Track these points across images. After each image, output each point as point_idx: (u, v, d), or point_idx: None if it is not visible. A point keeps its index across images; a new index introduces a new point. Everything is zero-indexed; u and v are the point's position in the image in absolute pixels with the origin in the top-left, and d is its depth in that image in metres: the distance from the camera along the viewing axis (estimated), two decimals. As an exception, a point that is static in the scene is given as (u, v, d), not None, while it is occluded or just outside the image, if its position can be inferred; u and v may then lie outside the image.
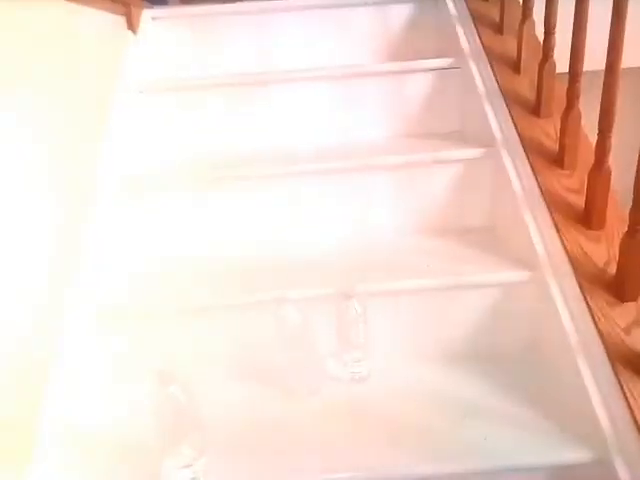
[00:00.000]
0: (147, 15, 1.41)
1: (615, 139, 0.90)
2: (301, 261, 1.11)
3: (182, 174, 1.20)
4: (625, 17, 0.84)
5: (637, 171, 0.80)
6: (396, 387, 0.97)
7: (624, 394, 0.78)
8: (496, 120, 1.17)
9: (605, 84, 0.88)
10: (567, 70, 1.00)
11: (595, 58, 0.93)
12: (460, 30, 1.36)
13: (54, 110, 0.95)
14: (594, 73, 0.95)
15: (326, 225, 1.20)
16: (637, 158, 0.78)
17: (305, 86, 1.33)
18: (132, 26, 1.33)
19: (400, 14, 1.50)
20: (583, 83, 0.99)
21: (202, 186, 1.17)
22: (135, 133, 1.25)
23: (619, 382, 0.79)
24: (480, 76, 1.25)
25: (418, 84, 1.33)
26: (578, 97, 1.01)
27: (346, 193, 1.20)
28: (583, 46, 0.97)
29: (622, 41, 0.85)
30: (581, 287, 0.90)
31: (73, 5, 1.04)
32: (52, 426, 0.83)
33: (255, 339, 1.02)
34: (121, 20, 1.30)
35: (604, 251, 0.93)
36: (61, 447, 0.83)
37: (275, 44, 1.50)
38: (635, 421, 0.75)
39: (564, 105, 1.03)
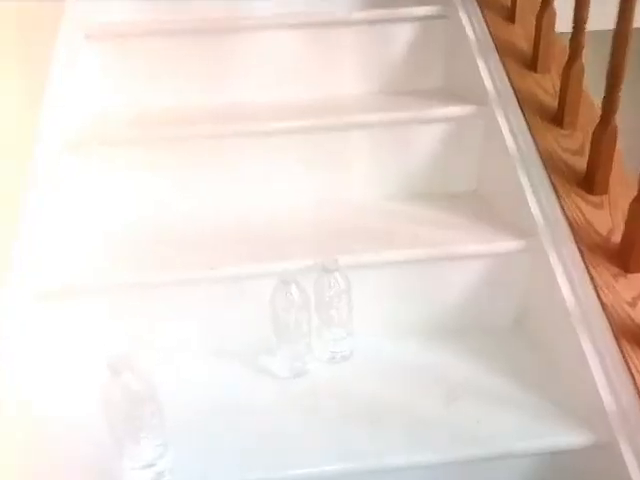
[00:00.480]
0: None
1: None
2: (271, 231, 1.00)
3: (131, 130, 1.05)
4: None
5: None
6: (380, 367, 0.89)
7: (630, 372, 0.72)
8: (488, 74, 1.07)
9: (616, 34, 0.79)
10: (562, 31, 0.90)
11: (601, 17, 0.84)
12: (448, -25, 1.23)
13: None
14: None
15: (298, 191, 1.09)
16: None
17: (275, 34, 1.19)
18: (76, -40, 1.14)
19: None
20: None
21: (154, 144, 1.04)
22: (81, 83, 1.08)
23: (624, 359, 0.73)
24: (470, 26, 1.14)
25: (401, 34, 1.21)
26: (582, 48, 0.91)
27: (320, 155, 1.08)
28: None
29: None
30: (582, 257, 0.83)
31: None
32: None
33: (226, 317, 0.92)
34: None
35: (607, 218, 0.86)
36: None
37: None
38: (643, 401, 0.70)
39: (564, 59, 0.94)
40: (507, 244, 0.91)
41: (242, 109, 1.14)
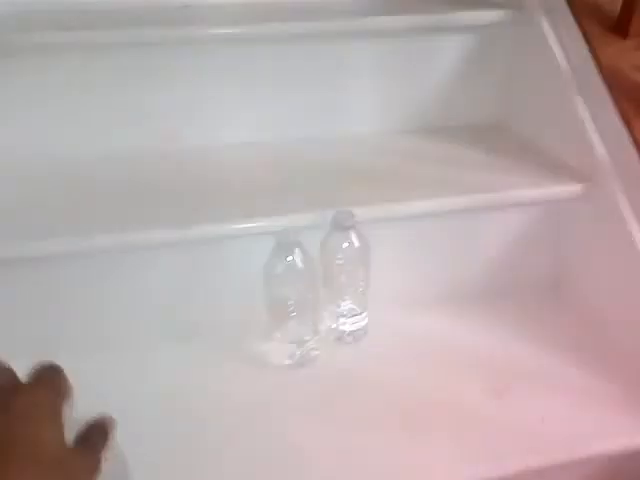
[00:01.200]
0: None
1: None
2: (252, 174, 0.76)
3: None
4: None
5: None
6: (405, 346, 0.70)
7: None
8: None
9: None
10: None
11: None
12: None
13: None
14: None
15: (285, 120, 0.84)
16: None
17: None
18: None
19: None
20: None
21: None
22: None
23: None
24: None
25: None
26: None
27: (314, 72, 0.83)
28: None
29: None
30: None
31: None
32: None
33: (199, 292, 0.70)
34: None
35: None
36: None
37: None
38: None
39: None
40: (562, 189, 0.72)
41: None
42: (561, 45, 0.78)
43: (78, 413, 0.30)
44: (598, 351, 0.69)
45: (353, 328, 0.70)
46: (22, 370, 0.29)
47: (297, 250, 0.63)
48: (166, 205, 0.68)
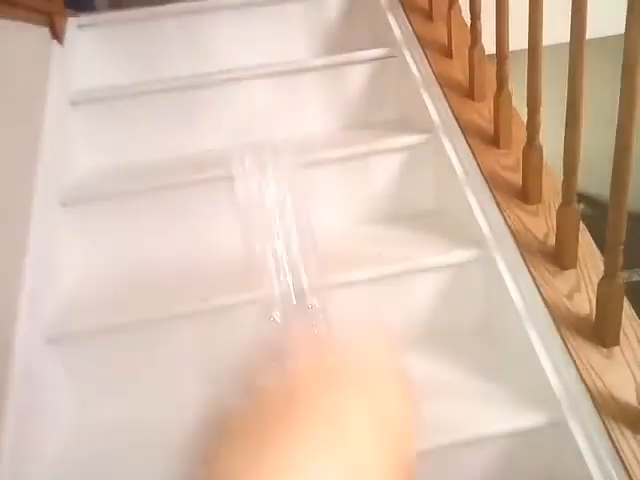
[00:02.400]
0: (73, 23, 1.36)
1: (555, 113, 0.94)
2: (250, 264, 1.11)
3: (117, 184, 1.17)
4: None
5: (565, 145, 0.84)
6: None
7: (571, 356, 0.83)
8: (433, 106, 1.20)
9: (529, 65, 0.92)
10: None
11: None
12: (392, 19, 1.38)
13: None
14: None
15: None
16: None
17: (244, 85, 1.32)
18: (57, 36, 1.28)
19: (332, 4, 1.51)
20: (518, 60, 1.02)
21: (138, 196, 1.16)
22: (69, 144, 1.21)
23: (565, 346, 0.84)
24: (415, 63, 1.28)
25: (356, 75, 1.35)
26: (507, 79, 1.05)
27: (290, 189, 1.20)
28: (505, 30, 1.01)
29: (541, 22, 0.89)
30: (524, 259, 0.94)
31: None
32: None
33: (217, 345, 1.02)
34: (44, 31, 1.25)
35: (543, 223, 0.97)
36: None
37: (211, 45, 1.48)
38: (583, 381, 0.80)
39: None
40: (460, 255, 1.03)
41: (215, 156, 1.26)
42: (457, 156, 1.12)
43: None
44: (501, 367, 0.95)
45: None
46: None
47: (276, 311, 0.96)
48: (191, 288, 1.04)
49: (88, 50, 1.37)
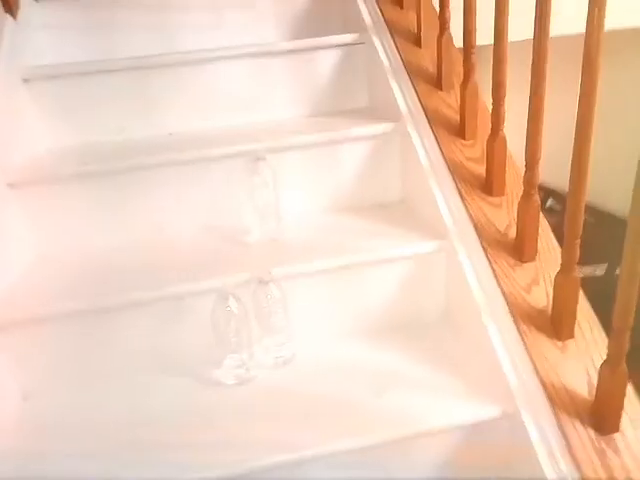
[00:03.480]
0: (28, -4, 1.29)
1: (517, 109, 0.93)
2: (209, 251, 1.08)
3: (69, 166, 1.12)
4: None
5: (526, 139, 0.84)
6: (319, 367, 0.97)
7: (527, 349, 0.83)
8: (401, 94, 1.18)
9: (495, 56, 0.91)
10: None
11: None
12: (362, 5, 1.35)
13: None
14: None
15: (240, 209, 1.17)
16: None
17: (210, 67, 1.28)
18: (10, 10, 1.21)
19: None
20: (485, 55, 1.02)
21: (92, 179, 1.11)
22: (19, 123, 1.15)
23: (522, 338, 0.84)
24: (384, 51, 1.26)
25: (325, 61, 1.32)
26: (473, 69, 1.04)
27: (257, 177, 1.17)
28: (473, 19, 1.00)
29: (507, 11, 0.88)
30: (485, 251, 0.94)
31: None
32: None
33: (172, 333, 0.99)
34: (-4, 2, 1.18)
35: (505, 216, 0.97)
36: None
37: (177, 23, 1.43)
38: (538, 374, 0.80)
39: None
40: (423, 246, 1.02)
41: (180, 139, 1.22)
42: (423, 146, 1.11)
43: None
44: (460, 359, 0.95)
45: (282, 354, 0.98)
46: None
47: (232, 300, 0.93)
48: (144, 276, 1.00)
49: (43, 25, 1.30)
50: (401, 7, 1.31)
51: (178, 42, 1.40)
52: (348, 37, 1.31)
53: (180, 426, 0.87)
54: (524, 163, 0.86)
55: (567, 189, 0.75)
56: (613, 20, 0.75)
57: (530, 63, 0.81)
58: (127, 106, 1.26)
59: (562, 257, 0.80)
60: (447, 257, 1.02)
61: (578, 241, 0.77)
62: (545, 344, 0.83)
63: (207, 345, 0.95)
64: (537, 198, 0.88)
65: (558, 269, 0.82)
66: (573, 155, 0.73)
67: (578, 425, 0.75)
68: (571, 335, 0.82)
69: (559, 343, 0.83)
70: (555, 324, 0.83)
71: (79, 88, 1.22)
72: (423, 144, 1.11)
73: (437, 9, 1.17)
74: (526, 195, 0.87)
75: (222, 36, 1.41)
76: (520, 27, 0.92)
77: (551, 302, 0.85)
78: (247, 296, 0.95)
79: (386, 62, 1.24)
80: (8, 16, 1.21)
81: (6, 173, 1.04)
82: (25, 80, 1.17)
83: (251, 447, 0.81)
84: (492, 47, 0.99)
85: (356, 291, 1.04)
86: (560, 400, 0.78)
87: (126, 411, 0.91)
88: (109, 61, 1.27)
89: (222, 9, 1.43)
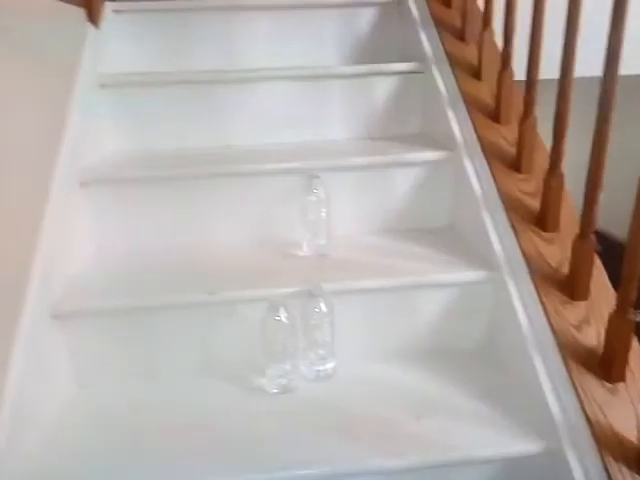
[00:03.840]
0: (109, 8, 1.38)
1: (574, 145, 0.94)
2: (264, 263, 1.11)
3: (136, 171, 1.17)
4: (578, 27, 0.89)
5: (587, 177, 0.84)
6: (359, 385, 0.98)
7: (574, 387, 0.83)
8: (457, 124, 1.21)
9: (559, 92, 0.93)
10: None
11: (556, 66, 0.97)
12: (423, 36, 1.39)
13: (11, 104, 0.92)
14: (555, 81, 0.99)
15: (292, 223, 1.20)
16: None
17: (271, 85, 1.33)
18: (93, 19, 1.29)
19: (366, 17, 1.52)
20: (544, 90, 1.03)
21: (156, 183, 1.16)
22: (94, 126, 1.22)
23: (570, 376, 0.84)
24: (442, 81, 1.29)
25: (383, 87, 1.36)
26: (534, 104, 1.05)
27: (310, 196, 1.20)
28: (538, 56, 1.02)
29: (574, 52, 0.90)
30: (536, 286, 0.94)
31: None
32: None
33: (221, 339, 1.02)
34: (81, 12, 1.26)
35: (558, 252, 0.97)
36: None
37: (244, 42, 1.49)
38: (585, 413, 0.80)
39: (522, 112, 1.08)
40: (471, 274, 1.03)
41: (238, 152, 1.27)
42: (477, 176, 1.13)
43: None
44: (503, 391, 0.94)
45: (323, 368, 1.00)
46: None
47: (283, 311, 0.96)
48: (196, 279, 1.04)
49: (121, 35, 1.38)
50: (462, 40, 1.34)
51: (244, 58, 1.47)
52: (407, 65, 1.35)
53: (218, 430, 0.89)
54: (581, 200, 0.87)
55: (606, 228, 0.75)
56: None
57: (589, 101, 0.82)
58: (190, 116, 1.32)
59: (617, 298, 0.80)
60: (494, 288, 1.02)
61: (635, 283, 0.77)
62: (594, 384, 0.82)
63: (253, 352, 0.97)
64: (593, 237, 0.88)
65: (611, 310, 0.81)
66: (637, 198, 0.74)
67: (625, 470, 0.74)
68: (622, 378, 0.82)
69: (608, 385, 0.82)
70: (605, 365, 0.83)
71: (148, 96, 1.29)
72: (477, 174, 1.13)
73: (498, 43, 1.20)
74: (583, 234, 0.88)
75: (286, 57, 1.47)
76: (585, 63, 0.94)
77: (602, 342, 0.84)
78: (295, 308, 0.97)
79: (444, 92, 1.27)
80: (91, 25, 1.29)
81: (79, 172, 1.10)
82: (102, 85, 1.25)
83: (287, 456, 0.83)
84: (548, 82, 1.02)
85: (400, 313, 1.05)
86: (607, 442, 0.77)
87: (169, 410, 0.94)
88: (177, 73, 1.34)
89: (288, 32, 1.48)
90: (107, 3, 1.38)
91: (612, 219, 1.46)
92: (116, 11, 1.40)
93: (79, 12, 1.26)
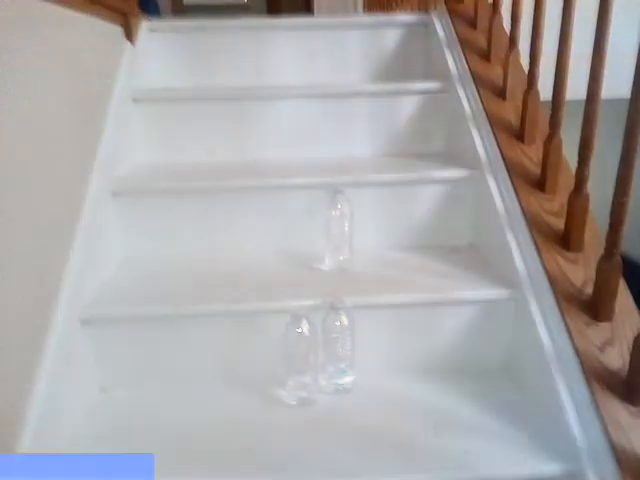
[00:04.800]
0: (144, 26, 1.44)
1: (597, 166, 0.95)
2: (287, 275, 1.13)
3: (167, 181, 1.21)
4: (605, 49, 0.89)
5: (614, 197, 0.84)
6: (379, 399, 0.99)
7: (598, 410, 0.82)
8: (482, 143, 1.22)
9: (586, 113, 0.93)
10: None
11: (581, 87, 0.98)
12: (449, 55, 1.41)
13: (51, 117, 0.96)
14: (580, 102, 1.00)
15: (315, 237, 1.22)
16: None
17: (297, 102, 1.36)
18: (130, 36, 1.35)
19: (391, 37, 1.55)
20: (569, 111, 1.04)
21: (186, 195, 1.20)
22: (128, 138, 1.26)
23: (593, 398, 0.83)
24: (467, 100, 1.30)
25: (407, 105, 1.38)
26: (560, 125, 1.05)
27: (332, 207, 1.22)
28: (565, 77, 1.02)
29: (602, 72, 0.90)
30: (559, 306, 0.93)
31: (70, 12, 1.06)
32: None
33: (242, 349, 1.04)
34: (118, 30, 1.32)
35: (582, 272, 0.97)
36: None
37: (272, 60, 1.53)
38: (608, 436, 0.78)
39: (547, 132, 1.08)
40: (493, 292, 1.03)
41: (264, 166, 1.30)
42: (500, 195, 1.13)
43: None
44: (524, 411, 0.94)
45: (343, 382, 1.00)
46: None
47: (305, 322, 0.97)
48: (220, 289, 1.06)
49: (155, 52, 1.44)
50: (488, 60, 1.36)
51: (272, 76, 1.51)
52: (432, 85, 1.37)
53: (236, 439, 0.90)
54: (604, 220, 0.87)
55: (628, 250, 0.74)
56: None
57: (612, 122, 0.82)
58: (219, 131, 1.36)
59: (643, 320, 0.79)
60: (516, 306, 1.02)
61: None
62: (617, 407, 0.81)
63: (273, 364, 0.98)
64: (619, 258, 0.87)
65: (636, 331, 0.81)
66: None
67: (649, 496, 0.73)
68: (646, 401, 0.80)
69: (632, 408, 0.81)
70: (630, 388, 0.81)
71: (178, 112, 1.34)
72: (501, 192, 1.13)
73: (523, 64, 1.21)
74: (608, 254, 0.87)
75: (312, 75, 1.50)
76: (613, 84, 0.95)
77: (626, 365, 0.83)
78: (317, 321, 0.99)
79: (469, 111, 1.28)
80: (128, 42, 1.34)
81: (112, 182, 1.14)
82: (135, 100, 1.30)
83: (304, 469, 0.83)
84: (574, 103, 1.02)
85: (421, 329, 1.05)
86: (630, 467, 0.76)
87: (187, 416, 0.95)
88: (207, 90, 1.38)
89: (316, 51, 1.52)
90: (143, 22, 1.44)
91: (630, 240, 1.45)
92: (151, 29, 1.45)
93: (118, 30, 1.32)
